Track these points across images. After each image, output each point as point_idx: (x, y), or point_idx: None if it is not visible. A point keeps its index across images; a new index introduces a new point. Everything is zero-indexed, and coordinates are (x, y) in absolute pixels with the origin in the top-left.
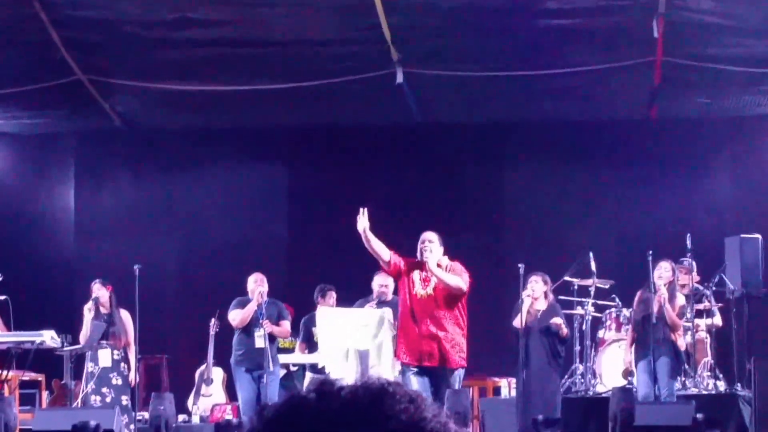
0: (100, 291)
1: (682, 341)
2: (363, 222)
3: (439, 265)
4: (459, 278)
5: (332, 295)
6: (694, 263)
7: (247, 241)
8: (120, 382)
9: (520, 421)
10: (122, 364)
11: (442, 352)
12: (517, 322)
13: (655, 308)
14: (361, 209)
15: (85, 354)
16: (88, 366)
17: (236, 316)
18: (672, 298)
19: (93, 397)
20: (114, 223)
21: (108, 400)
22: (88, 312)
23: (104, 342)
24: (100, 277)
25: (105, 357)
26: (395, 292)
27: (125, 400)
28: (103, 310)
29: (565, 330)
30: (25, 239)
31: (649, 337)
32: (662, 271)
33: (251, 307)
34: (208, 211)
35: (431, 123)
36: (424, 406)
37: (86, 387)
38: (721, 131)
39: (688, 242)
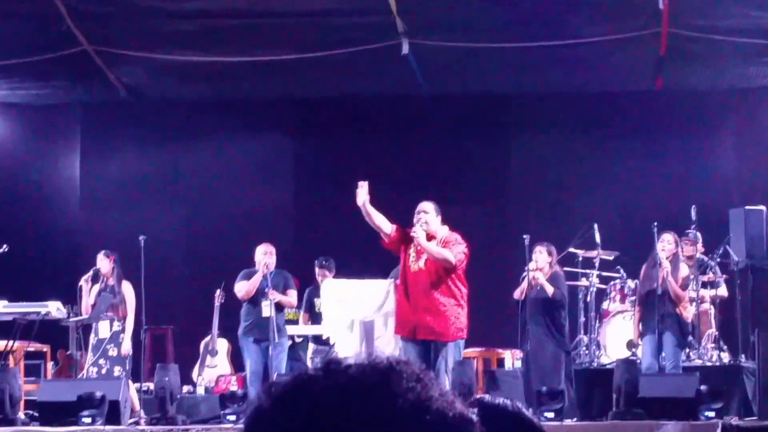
0: (101, 262)
1: (688, 313)
2: (362, 195)
3: (433, 237)
4: (448, 251)
5: (328, 272)
6: (699, 234)
7: (252, 212)
8: (116, 353)
9: (523, 393)
10: (121, 336)
11: (438, 325)
12: (517, 294)
13: (659, 280)
14: (360, 183)
15: (92, 325)
16: (90, 338)
17: (241, 288)
18: (675, 269)
19: (91, 369)
20: (119, 194)
21: (104, 371)
22: (85, 283)
23: (104, 314)
24: (105, 248)
25: (104, 328)
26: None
27: (118, 371)
28: (110, 281)
29: (549, 289)
30: (31, 210)
31: (654, 309)
32: (665, 244)
33: (256, 279)
34: (213, 182)
35: (437, 94)
36: (431, 384)
37: (87, 358)
38: (726, 103)
39: (693, 214)
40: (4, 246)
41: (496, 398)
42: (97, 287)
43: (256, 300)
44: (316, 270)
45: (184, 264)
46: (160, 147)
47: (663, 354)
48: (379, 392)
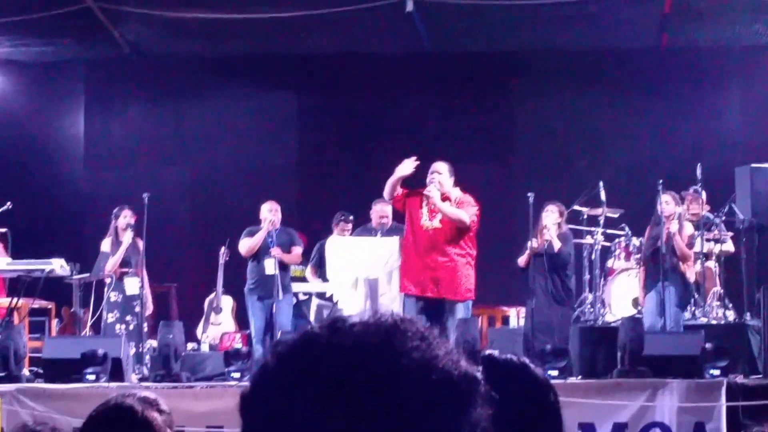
0: (131, 219)
1: (692, 272)
2: (406, 171)
3: (447, 198)
4: (463, 212)
5: (347, 226)
6: (703, 192)
7: (256, 169)
8: (139, 309)
9: (526, 351)
10: (144, 293)
11: (448, 284)
12: (522, 262)
13: (663, 239)
14: (414, 159)
15: (106, 283)
16: (111, 295)
17: (244, 245)
18: (680, 228)
19: (117, 326)
20: (123, 152)
21: (131, 327)
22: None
23: (131, 270)
24: (108, 206)
25: (132, 285)
26: (397, 220)
27: (146, 326)
28: (127, 236)
29: (557, 244)
30: (35, 168)
31: (658, 267)
32: (664, 205)
33: (259, 236)
34: (217, 139)
35: (441, 52)
36: (435, 343)
37: (107, 316)
38: (731, 60)
39: (699, 172)
40: (8, 203)
41: (502, 354)
42: (109, 241)
43: (260, 258)
44: (340, 224)
45: (188, 221)
46: (163, 104)
47: (665, 313)
48: (383, 351)
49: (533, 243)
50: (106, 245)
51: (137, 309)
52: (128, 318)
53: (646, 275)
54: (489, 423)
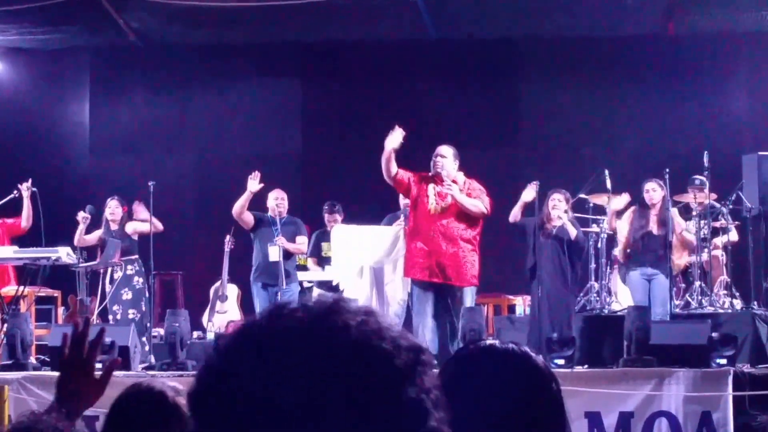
0: (116, 209)
1: (681, 261)
2: (395, 141)
3: (455, 182)
4: (480, 202)
5: (338, 216)
6: (705, 180)
7: (261, 157)
8: (130, 296)
9: (532, 339)
10: (135, 278)
11: (454, 269)
12: (511, 217)
13: (653, 227)
14: (398, 127)
15: (102, 272)
16: (106, 285)
17: (234, 207)
18: (664, 215)
19: (109, 316)
20: (129, 139)
21: (118, 316)
22: (82, 220)
23: (112, 259)
24: (114, 194)
25: (116, 272)
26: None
27: (132, 313)
28: (113, 227)
29: (573, 231)
30: (41, 156)
31: (645, 254)
32: (651, 192)
33: (244, 197)
34: (223, 127)
35: (446, 38)
36: (377, 319)
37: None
38: (738, 47)
39: (705, 160)
40: (15, 191)
41: (503, 343)
42: (99, 232)
43: (264, 246)
44: (326, 216)
45: (194, 209)
46: (169, 92)
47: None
48: (322, 329)
49: (540, 230)
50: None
51: (125, 296)
52: (115, 307)
53: (632, 259)
54: (440, 392)
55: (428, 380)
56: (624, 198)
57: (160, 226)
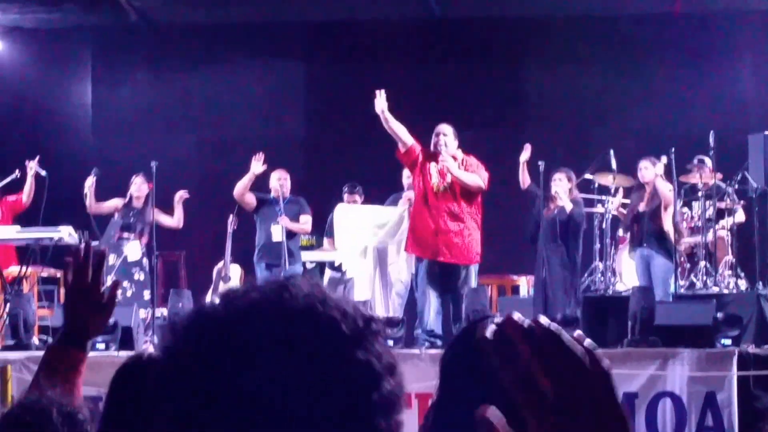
0: (142, 186)
1: (674, 236)
2: (381, 103)
3: (454, 158)
4: (477, 176)
5: (352, 198)
6: (708, 160)
7: (264, 137)
8: (142, 277)
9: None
10: (145, 260)
11: (458, 248)
12: (522, 180)
13: (642, 206)
14: (377, 91)
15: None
16: (109, 258)
17: (236, 188)
18: (655, 195)
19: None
20: (131, 120)
21: (128, 294)
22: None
23: (131, 235)
24: (118, 174)
25: (133, 251)
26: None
27: (147, 294)
28: (136, 203)
29: (569, 206)
30: (43, 136)
31: (640, 233)
32: (643, 171)
33: (246, 178)
34: (225, 107)
35: (451, 18)
36: (323, 290)
37: (105, 279)
38: (746, 26)
39: (711, 139)
40: (17, 171)
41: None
42: (117, 201)
43: (267, 226)
44: (345, 196)
45: (197, 190)
46: (171, 72)
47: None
48: (271, 305)
49: (543, 210)
50: (116, 202)
51: (137, 277)
52: (125, 284)
53: (630, 242)
54: (393, 359)
55: (379, 346)
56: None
57: (181, 224)
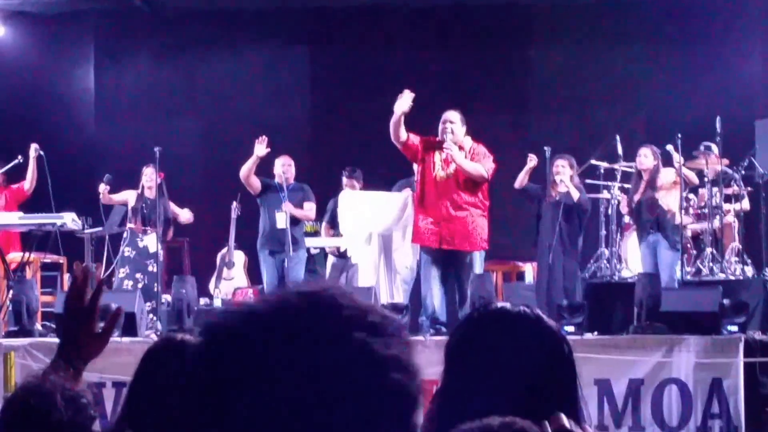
0: (153, 176)
1: (679, 218)
2: (404, 105)
3: (461, 148)
4: (480, 165)
5: (356, 183)
6: (713, 146)
7: (269, 123)
8: (155, 269)
9: (540, 306)
10: (161, 251)
11: (463, 235)
12: (517, 183)
13: (643, 193)
14: (407, 91)
15: (122, 238)
16: (125, 250)
17: (241, 171)
18: (654, 182)
19: (126, 282)
20: (135, 105)
21: (140, 285)
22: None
23: (148, 228)
24: (120, 160)
25: (152, 242)
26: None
27: (157, 287)
28: (148, 194)
29: (576, 194)
30: (45, 121)
31: (644, 221)
32: (641, 158)
33: (251, 161)
34: (229, 93)
35: (456, 2)
36: (360, 302)
37: (118, 271)
38: (753, 11)
39: (718, 125)
40: (19, 157)
41: (515, 306)
42: (129, 193)
43: (271, 212)
44: (344, 180)
45: (200, 175)
46: (175, 57)
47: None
48: (321, 323)
49: (548, 196)
50: (128, 195)
51: (150, 268)
52: (138, 275)
53: (637, 230)
54: (416, 366)
55: (413, 367)
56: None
57: (192, 218)
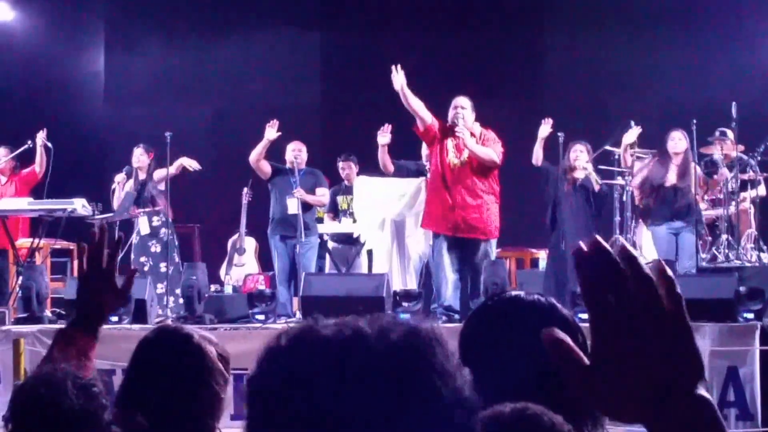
0: (141, 157)
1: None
2: (399, 79)
3: (472, 134)
4: (491, 150)
5: (352, 165)
6: (728, 132)
7: (279, 108)
8: (158, 249)
9: (552, 293)
10: (162, 230)
11: (476, 222)
12: (534, 158)
13: (671, 178)
14: (393, 66)
15: (133, 224)
16: (133, 237)
17: (251, 155)
18: (686, 168)
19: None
20: (145, 89)
21: (146, 269)
22: (118, 185)
23: (141, 210)
24: (131, 144)
25: (143, 225)
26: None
27: (164, 267)
28: (141, 175)
29: (597, 184)
30: (55, 106)
31: (667, 205)
32: (676, 141)
33: (261, 145)
34: (240, 77)
35: None
36: (451, 356)
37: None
38: None
39: (734, 111)
40: (29, 142)
41: (529, 294)
42: (131, 183)
43: (282, 197)
44: (340, 164)
45: (211, 161)
46: (185, 41)
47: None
48: (396, 364)
49: (563, 181)
50: (128, 186)
51: (153, 249)
52: (143, 259)
53: (654, 212)
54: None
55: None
56: (635, 131)
57: (173, 170)
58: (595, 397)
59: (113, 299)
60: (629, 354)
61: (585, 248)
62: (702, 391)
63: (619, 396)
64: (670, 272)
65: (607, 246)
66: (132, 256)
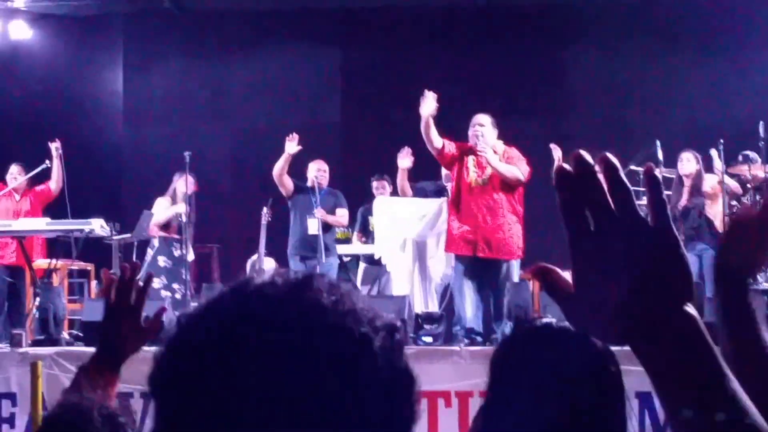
0: (185, 183)
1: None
2: (430, 107)
3: (495, 152)
4: (516, 169)
5: (386, 184)
6: (752, 155)
7: (299, 127)
8: (170, 264)
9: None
10: (176, 252)
11: (499, 243)
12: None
13: (686, 200)
14: (428, 91)
15: (153, 245)
16: (159, 260)
17: (274, 169)
18: (698, 188)
19: (163, 293)
20: (163, 108)
21: (178, 296)
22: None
23: (183, 237)
24: (149, 164)
25: (189, 252)
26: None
27: (176, 287)
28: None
29: None
30: (73, 125)
31: (688, 229)
32: (684, 162)
33: (283, 159)
34: (260, 96)
35: (491, 3)
36: (350, 298)
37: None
38: None
39: (761, 130)
40: (47, 161)
41: (559, 322)
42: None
43: (302, 217)
44: (374, 184)
45: (230, 181)
46: (204, 60)
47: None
48: (293, 310)
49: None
50: (163, 203)
51: (185, 276)
52: (175, 285)
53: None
54: (408, 366)
55: (404, 357)
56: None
57: (180, 209)
58: (582, 320)
59: (137, 338)
60: (613, 272)
61: (568, 168)
62: (690, 308)
63: (605, 316)
64: (615, 160)
65: (589, 159)
66: (159, 279)
